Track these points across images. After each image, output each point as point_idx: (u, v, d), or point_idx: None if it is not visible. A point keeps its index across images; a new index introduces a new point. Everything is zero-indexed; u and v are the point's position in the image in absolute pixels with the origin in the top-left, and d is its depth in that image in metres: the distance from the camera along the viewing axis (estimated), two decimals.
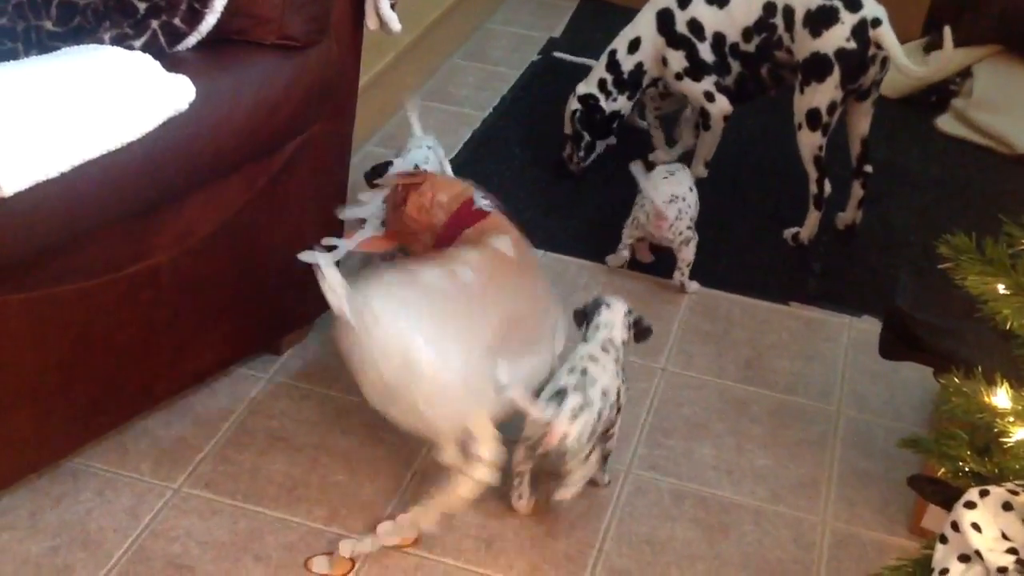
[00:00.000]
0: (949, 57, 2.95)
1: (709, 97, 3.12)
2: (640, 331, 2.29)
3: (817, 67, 2.88)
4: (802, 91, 2.93)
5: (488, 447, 2.01)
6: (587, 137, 3.24)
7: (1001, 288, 1.42)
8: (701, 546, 2.18)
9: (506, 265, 2.14)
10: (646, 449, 2.39)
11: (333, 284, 1.89)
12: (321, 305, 2.51)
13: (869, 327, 2.75)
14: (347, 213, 2.37)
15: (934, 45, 3.86)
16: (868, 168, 3.09)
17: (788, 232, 3.10)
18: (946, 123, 3.69)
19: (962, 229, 1.62)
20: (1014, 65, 3.77)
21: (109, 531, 2.08)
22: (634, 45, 3.15)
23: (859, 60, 2.87)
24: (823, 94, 2.89)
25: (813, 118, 2.93)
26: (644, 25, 3.14)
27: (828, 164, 3.01)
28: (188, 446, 2.28)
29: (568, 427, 2.03)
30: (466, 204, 2.22)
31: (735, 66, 3.07)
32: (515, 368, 2.04)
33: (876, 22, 2.85)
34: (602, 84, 3.19)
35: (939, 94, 3.78)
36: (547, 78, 3.81)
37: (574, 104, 3.23)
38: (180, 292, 2.14)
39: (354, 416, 2.40)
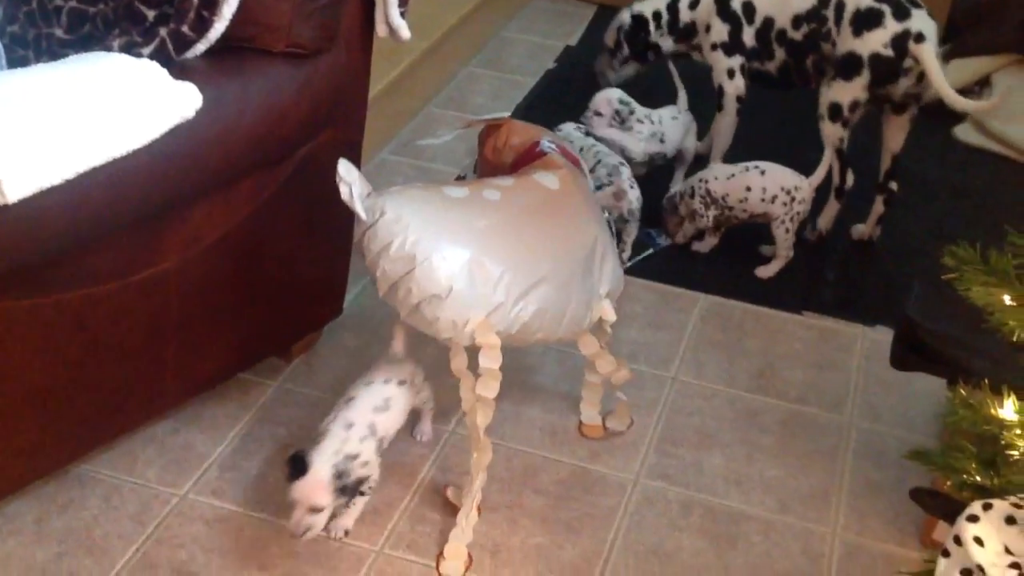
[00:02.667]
0: (996, 104, 3.02)
1: (731, 74, 3.14)
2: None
3: (848, 65, 2.90)
4: (829, 84, 2.96)
5: (490, 357, 1.99)
6: (625, 51, 3.33)
7: (1007, 299, 1.40)
8: (709, 557, 2.16)
9: (542, 195, 2.15)
10: (655, 458, 2.38)
11: (346, 176, 1.94)
12: (330, 312, 2.54)
13: (883, 337, 2.73)
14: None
15: (953, 55, 3.84)
16: (893, 185, 3.09)
17: (807, 230, 3.12)
18: (964, 132, 3.66)
19: (978, 238, 1.60)
20: None
21: (114, 538, 2.08)
22: (695, 3, 3.18)
23: (891, 69, 2.87)
24: (848, 92, 2.92)
25: (834, 111, 2.96)
26: None
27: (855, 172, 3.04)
28: (195, 453, 2.28)
29: (631, 192, 2.80)
30: (532, 146, 2.27)
31: (780, 53, 3.08)
32: (525, 288, 2.02)
33: (920, 37, 2.84)
34: (657, 16, 3.25)
35: None
36: (563, 86, 3.81)
37: (625, 18, 3.30)
38: (188, 298, 2.14)
39: None
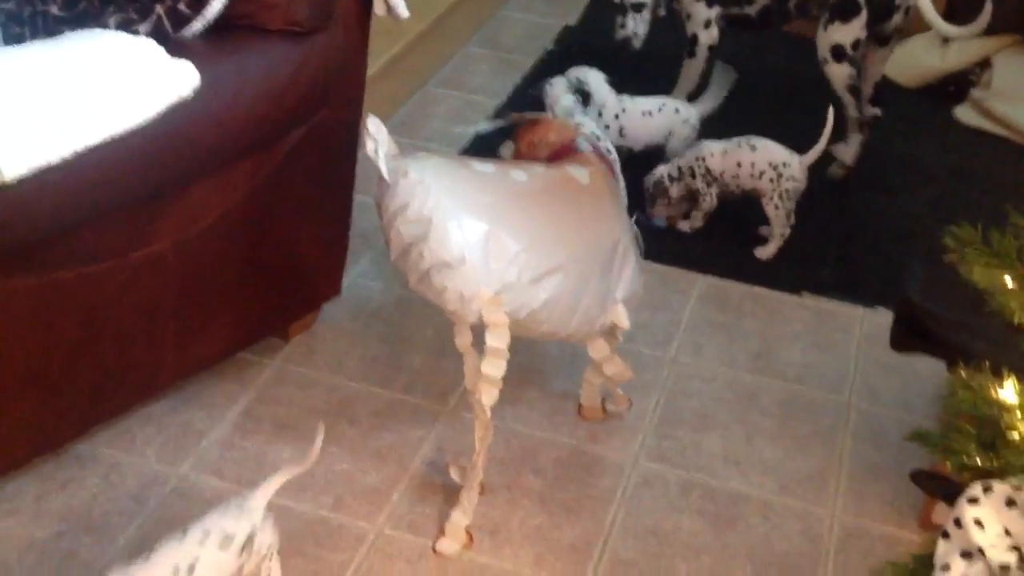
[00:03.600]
0: (978, 30, 3.17)
1: (707, 24, 3.23)
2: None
3: (845, 7, 3.02)
4: (825, 28, 3.07)
5: (497, 336, 1.96)
6: None
7: (1008, 281, 1.39)
8: (707, 538, 2.16)
9: (571, 187, 2.14)
10: (654, 440, 2.37)
11: (375, 133, 1.93)
12: (328, 291, 2.54)
13: (882, 318, 2.72)
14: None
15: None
16: (878, 111, 3.24)
17: (833, 167, 3.22)
18: (964, 113, 3.65)
19: (978, 220, 1.59)
20: None
21: (114, 516, 2.08)
22: None
23: (887, 6, 3.03)
24: (848, 32, 3.05)
25: (837, 53, 3.07)
26: None
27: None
28: (194, 431, 2.28)
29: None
30: (567, 143, 2.26)
31: None
32: (539, 273, 2.00)
33: None
34: None
35: (957, 84, 3.74)
36: (562, 66, 3.78)
37: None
38: (186, 278, 2.13)
39: (360, 404, 2.39)
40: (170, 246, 2.07)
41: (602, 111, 3.10)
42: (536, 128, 2.31)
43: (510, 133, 2.42)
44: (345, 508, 2.15)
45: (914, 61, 3.72)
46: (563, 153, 2.25)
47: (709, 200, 2.98)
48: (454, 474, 2.19)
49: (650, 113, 3.12)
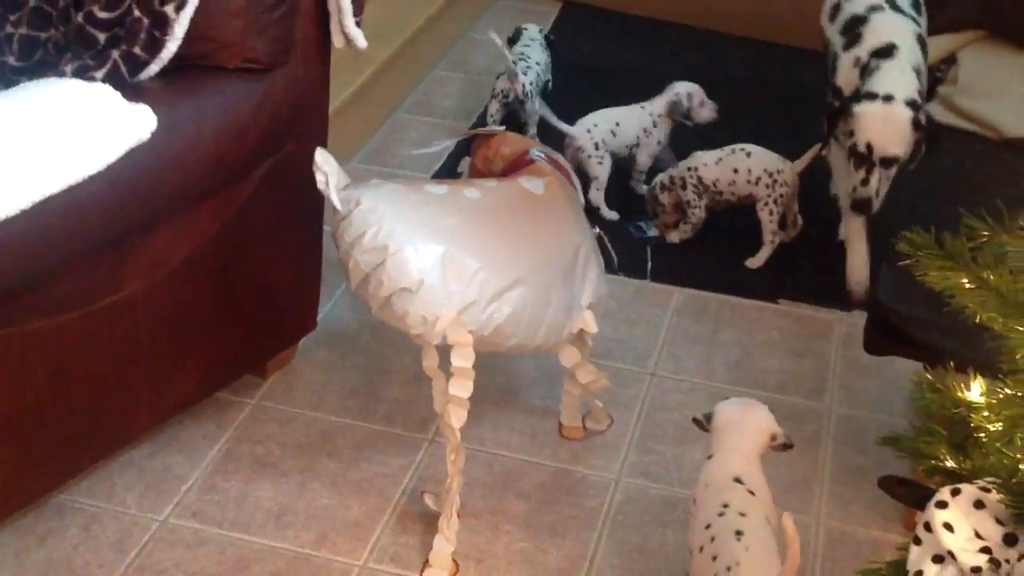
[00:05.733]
0: None
1: None
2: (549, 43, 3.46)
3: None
4: None
5: (462, 356, 1.97)
6: None
7: (965, 282, 1.39)
8: None
9: (525, 199, 2.14)
10: (636, 456, 2.37)
11: (323, 166, 1.93)
12: (304, 326, 2.53)
13: (860, 322, 2.70)
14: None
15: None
16: None
17: None
18: (932, 111, 3.65)
19: (951, 219, 1.59)
20: (999, 50, 3.72)
21: (95, 567, 2.07)
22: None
23: None
24: None
25: None
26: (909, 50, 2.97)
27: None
28: (174, 476, 2.26)
29: (524, 79, 3.19)
30: (522, 155, 2.27)
31: None
32: (500, 288, 2.00)
33: None
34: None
35: None
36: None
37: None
38: (157, 321, 2.12)
39: (340, 438, 2.38)
40: (139, 290, 2.06)
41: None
42: (490, 143, 2.32)
43: (467, 150, 2.43)
44: (328, 544, 2.14)
45: None
46: (518, 165, 2.27)
47: (698, 212, 2.99)
48: (428, 501, 2.18)
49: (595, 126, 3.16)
